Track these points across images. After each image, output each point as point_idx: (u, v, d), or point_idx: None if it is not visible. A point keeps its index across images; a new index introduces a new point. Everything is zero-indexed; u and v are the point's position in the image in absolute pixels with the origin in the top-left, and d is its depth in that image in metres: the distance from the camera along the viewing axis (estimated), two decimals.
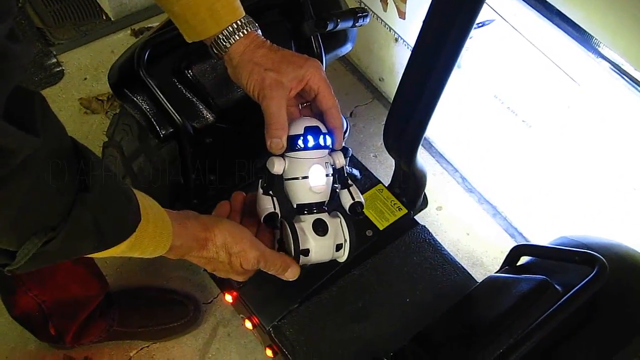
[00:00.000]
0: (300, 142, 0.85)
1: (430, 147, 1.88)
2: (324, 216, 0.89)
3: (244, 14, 0.87)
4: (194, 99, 1.15)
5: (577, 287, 0.84)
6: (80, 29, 2.11)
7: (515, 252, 1.02)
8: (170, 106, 1.10)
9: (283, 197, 0.92)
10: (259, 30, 0.88)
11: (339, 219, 0.90)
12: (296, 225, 0.87)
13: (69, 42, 2.08)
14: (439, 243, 1.25)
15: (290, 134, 0.85)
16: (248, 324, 1.23)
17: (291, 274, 0.90)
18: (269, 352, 1.21)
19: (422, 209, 1.30)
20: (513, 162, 1.59)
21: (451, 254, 1.24)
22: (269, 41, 0.88)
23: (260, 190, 0.90)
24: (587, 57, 1.24)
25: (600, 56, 1.21)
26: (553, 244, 1.02)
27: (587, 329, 0.87)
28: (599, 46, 1.20)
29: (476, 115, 1.62)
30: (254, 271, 0.89)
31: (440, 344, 0.91)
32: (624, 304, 0.89)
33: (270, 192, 0.91)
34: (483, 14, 1.40)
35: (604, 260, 0.87)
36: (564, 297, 0.83)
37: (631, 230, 1.33)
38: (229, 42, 0.85)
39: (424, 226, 1.27)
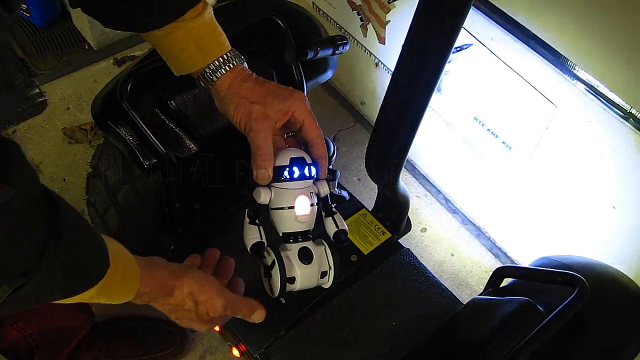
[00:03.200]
0: (286, 173, 0.87)
1: (413, 169, 1.90)
2: (309, 244, 0.91)
3: (229, 47, 0.89)
4: (177, 129, 1.17)
5: (559, 308, 0.85)
6: (62, 59, 2.12)
7: (499, 274, 1.03)
8: (153, 137, 1.11)
9: (269, 225, 0.93)
10: (245, 63, 0.90)
11: (323, 247, 0.92)
12: (282, 253, 0.89)
13: (51, 72, 2.08)
14: (424, 266, 1.26)
15: (276, 165, 0.87)
16: (235, 352, 1.23)
17: (257, 317, 0.92)
18: None
19: (405, 233, 1.31)
20: (495, 182, 1.61)
21: (436, 275, 1.24)
22: (254, 74, 0.90)
23: (247, 220, 0.92)
24: (563, 79, 1.26)
25: (575, 78, 1.24)
26: (535, 264, 1.04)
27: (570, 348, 0.88)
28: (574, 68, 1.23)
29: (457, 138, 1.64)
30: (220, 320, 0.90)
31: None
32: (605, 322, 0.90)
33: (257, 221, 0.92)
34: (461, 39, 1.43)
35: (584, 280, 0.88)
36: (547, 318, 0.84)
37: (611, 248, 1.35)
38: (215, 75, 0.87)
39: (409, 249, 1.28)
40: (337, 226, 0.92)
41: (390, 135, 1.05)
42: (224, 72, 0.87)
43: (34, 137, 1.91)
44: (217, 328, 1.24)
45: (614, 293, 0.95)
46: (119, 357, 1.48)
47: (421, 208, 1.84)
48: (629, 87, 1.16)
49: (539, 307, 0.91)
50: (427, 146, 1.80)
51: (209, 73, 0.87)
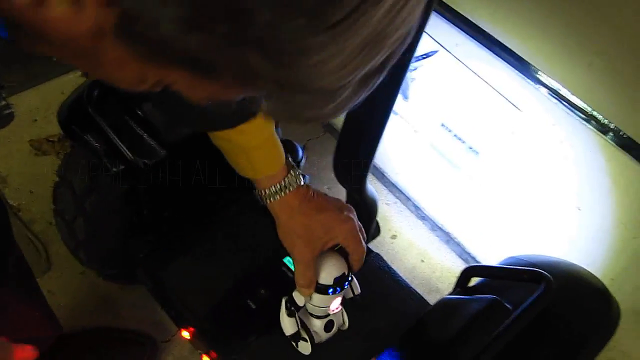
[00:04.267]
0: (329, 291, 0.97)
1: (382, 177, 1.91)
2: (332, 316, 1.05)
3: (282, 165, 0.94)
4: (145, 135, 1.16)
5: (525, 304, 0.86)
6: (29, 71, 2.10)
7: (467, 274, 1.04)
8: (120, 143, 1.11)
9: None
10: (302, 180, 0.96)
11: (341, 310, 1.07)
12: (311, 330, 1.05)
13: (18, 84, 2.06)
14: (394, 270, 1.27)
15: (319, 282, 0.96)
16: (205, 358, 1.22)
17: None
18: None
19: (375, 237, 1.32)
20: (463, 188, 1.63)
21: (407, 280, 1.25)
22: (303, 192, 0.95)
23: (285, 311, 1.03)
24: (527, 84, 1.28)
25: (539, 83, 1.26)
26: (502, 264, 1.05)
27: (537, 343, 0.89)
28: (537, 73, 1.25)
29: (425, 144, 1.66)
30: None
31: None
32: (570, 316, 0.92)
33: (295, 314, 1.03)
34: (426, 45, 1.45)
35: (550, 277, 0.90)
36: (514, 314, 0.85)
37: (577, 249, 1.37)
38: (268, 200, 0.95)
39: (378, 254, 1.29)
40: (353, 293, 1.05)
41: (357, 137, 1.06)
42: (274, 199, 0.94)
43: (1, 150, 1.88)
44: (187, 335, 1.24)
45: (579, 289, 0.97)
46: None
47: (391, 215, 1.85)
48: (590, 90, 1.19)
49: (506, 304, 0.92)
50: (395, 154, 1.81)
51: (263, 197, 0.95)
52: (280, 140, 0.98)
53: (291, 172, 0.93)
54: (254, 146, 0.89)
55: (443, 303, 1.01)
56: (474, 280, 1.07)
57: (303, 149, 1.24)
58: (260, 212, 1.22)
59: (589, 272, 1.02)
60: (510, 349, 0.87)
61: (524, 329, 0.87)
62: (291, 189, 0.93)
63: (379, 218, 1.49)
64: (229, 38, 0.38)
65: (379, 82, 0.48)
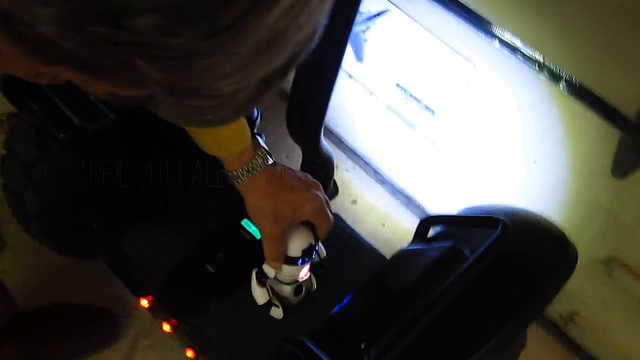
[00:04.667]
0: (299, 262, 1.00)
1: (340, 143, 1.90)
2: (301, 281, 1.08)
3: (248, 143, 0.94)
4: (93, 99, 1.12)
5: (481, 248, 0.86)
6: None
7: (424, 224, 1.04)
8: (67, 108, 1.07)
9: None
10: (269, 160, 0.96)
11: (310, 274, 1.09)
12: (281, 295, 1.09)
13: None
14: (353, 229, 1.27)
15: (289, 255, 0.99)
16: (166, 327, 1.20)
17: None
18: (189, 354, 1.19)
19: (333, 197, 1.31)
20: (421, 148, 1.63)
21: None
22: (276, 173, 0.95)
23: (256, 283, 1.05)
24: (480, 38, 1.28)
25: (491, 36, 1.25)
26: (461, 213, 1.05)
27: (494, 290, 0.89)
28: (489, 26, 1.24)
29: (382, 106, 1.65)
30: None
31: (354, 320, 0.91)
32: (527, 262, 0.92)
33: (266, 284, 1.06)
34: (378, 5, 1.43)
35: (506, 221, 0.90)
36: (471, 258, 0.85)
37: (534, 201, 1.38)
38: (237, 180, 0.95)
39: (337, 214, 1.28)
40: (320, 257, 1.07)
41: (307, 93, 1.05)
42: (242, 181, 0.94)
43: None
44: (146, 304, 1.22)
45: (536, 233, 0.97)
46: (45, 347, 1.43)
47: (351, 181, 1.85)
48: (541, 39, 1.19)
49: (464, 250, 0.92)
50: (352, 118, 1.80)
51: (231, 177, 0.95)
52: None
53: (258, 152, 0.93)
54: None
55: (401, 254, 1.00)
56: (434, 232, 1.07)
57: (258, 110, 1.22)
58: (217, 177, 1.20)
59: (545, 218, 1.02)
60: (468, 294, 0.87)
61: (482, 275, 0.87)
62: (259, 169, 0.93)
63: (339, 185, 1.49)
64: (109, 40, 0.36)
65: (284, 80, 0.47)
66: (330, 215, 1.00)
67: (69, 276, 1.58)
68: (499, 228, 0.88)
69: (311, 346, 0.85)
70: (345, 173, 1.86)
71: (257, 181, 0.93)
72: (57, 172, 1.19)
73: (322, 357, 0.82)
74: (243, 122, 0.93)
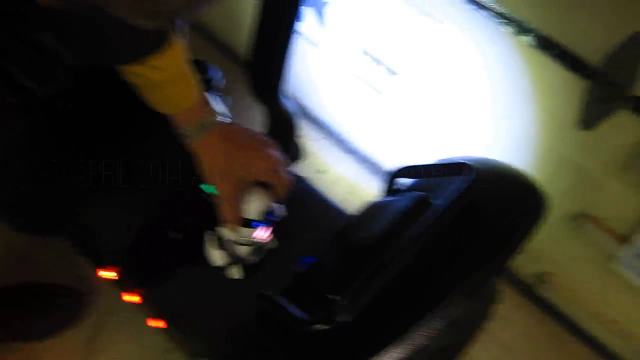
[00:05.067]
0: (258, 224, 1.00)
1: (305, 114, 1.87)
2: None
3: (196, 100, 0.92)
4: (44, 61, 1.07)
5: (451, 192, 0.84)
6: None
7: (393, 176, 1.02)
8: (15, 69, 1.02)
9: None
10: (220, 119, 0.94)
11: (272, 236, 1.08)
12: (241, 257, 1.07)
13: None
14: (319, 190, 1.24)
15: (246, 217, 0.98)
16: (131, 298, 1.16)
17: None
18: (155, 323, 1.15)
19: (298, 160, 1.28)
20: (387, 113, 1.60)
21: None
22: (228, 131, 0.94)
23: (212, 245, 1.06)
24: None
25: None
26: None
27: (467, 236, 0.87)
28: None
29: (346, 73, 1.62)
30: None
31: (324, 273, 0.89)
32: (499, 207, 0.90)
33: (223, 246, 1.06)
34: None
35: (475, 167, 0.88)
36: (440, 206, 0.83)
37: (504, 159, 1.36)
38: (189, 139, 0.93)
39: (302, 177, 1.25)
40: (279, 217, 1.06)
41: (266, 48, 1.02)
42: (193, 140, 0.92)
43: None
44: (110, 276, 1.18)
45: (505, 180, 0.95)
46: (8, 328, 1.38)
47: (317, 151, 1.82)
48: None
49: (433, 198, 0.90)
50: (317, 87, 1.77)
51: (182, 136, 0.93)
52: (194, 61, 0.94)
53: (209, 110, 0.89)
54: (167, 81, 0.85)
55: (369, 205, 0.98)
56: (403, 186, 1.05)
57: (218, 70, 1.18)
58: (175, 140, 1.16)
59: (514, 166, 1.00)
60: (437, 242, 0.84)
61: (452, 222, 0.84)
62: (210, 127, 0.89)
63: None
64: None
65: None
66: (287, 175, 0.98)
67: (30, 257, 1.53)
68: (469, 173, 0.86)
69: (281, 301, 0.82)
70: (312, 143, 1.83)
71: (208, 139, 0.91)
72: (8, 141, 1.14)
73: (292, 310, 0.79)
74: (192, 78, 0.90)
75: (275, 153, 0.97)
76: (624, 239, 1.28)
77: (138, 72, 0.85)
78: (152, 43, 0.81)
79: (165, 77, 0.86)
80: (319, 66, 1.68)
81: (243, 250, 1.06)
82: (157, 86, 0.87)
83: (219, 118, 0.92)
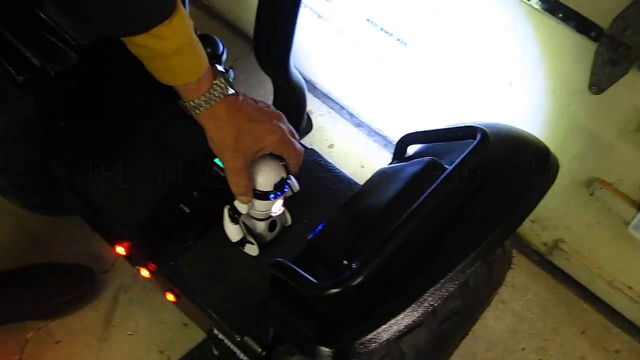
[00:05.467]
0: (270, 197, 0.99)
1: (313, 89, 1.87)
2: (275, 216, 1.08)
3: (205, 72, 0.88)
4: (53, 39, 1.08)
5: (461, 156, 0.83)
6: None
7: (402, 143, 1.01)
8: (25, 48, 1.03)
9: None
10: (229, 90, 0.90)
11: (284, 209, 1.09)
12: (256, 232, 1.09)
13: None
14: (330, 163, 1.24)
15: (259, 189, 0.98)
16: (145, 273, 1.17)
17: None
18: (170, 297, 1.16)
19: (307, 132, 1.28)
20: (396, 85, 1.60)
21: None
22: (237, 103, 0.91)
23: (228, 219, 1.05)
24: None
25: None
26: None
27: (474, 203, 0.87)
28: None
29: (354, 46, 1.61)
30: None
31: (336, 240, 0.88)
32: (508, 173, 0.89)
33: (239, 220, 1.05)
34: None
35: (485, 129, 0.87)
36: (450, 168, 0.83)
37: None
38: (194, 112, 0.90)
39: (312, 149, 1.25)
40: (292, 191, 1.06)
41: (273, 17, 1.01)
42: (200, 111, 0.89)
43: None
44: (122, 251, 1.18)
45: (515, 144, 0.94)
46: (24, 306, 1.39)
47: (326, 125, 1.81)
48: None
49: (443, 162, 0.90)
50: (324, 61, 1.76)
51: (189, 108, 0.89)
52: (198, 36, 0.93)
53: (217, 81, 0.88)
54: (173, 52, 0.84)
55: (379, 172, 0.97)
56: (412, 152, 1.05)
57: (223, 44, 1.17)
58: (185, 115, 1.16)
59: (524, 131, 1.00)
60: (448, 206, 0.84)
61: (462, 187, 0.84)
62: (217, 99, 0.88)
63: (315, 129, 1.45)
64: None
65: None
66: (298, 146, 0.97)
67: (44, 238, 1.54)
68: (478, 136, 0.86)
69: (294, 267, 0.82)
70: (320, 118, 1.83)
71: (216, 111, 0.89)
72: (19, 119, 1.15)
73: (305, 276, 0.79)
74: (197, 49, 0.89)
75: (286, 125, 0.96)
76: (638, 204, 1.27)
77: (141, 43, 0.84)
78: (159, 10, 0.80)
79: (168, 46, 0.85)
80: (325, 39, 1.67)
81: (259, 226, 1.07)
82: (161, 57, 0.86)
83: (229, 91, 0.91)
